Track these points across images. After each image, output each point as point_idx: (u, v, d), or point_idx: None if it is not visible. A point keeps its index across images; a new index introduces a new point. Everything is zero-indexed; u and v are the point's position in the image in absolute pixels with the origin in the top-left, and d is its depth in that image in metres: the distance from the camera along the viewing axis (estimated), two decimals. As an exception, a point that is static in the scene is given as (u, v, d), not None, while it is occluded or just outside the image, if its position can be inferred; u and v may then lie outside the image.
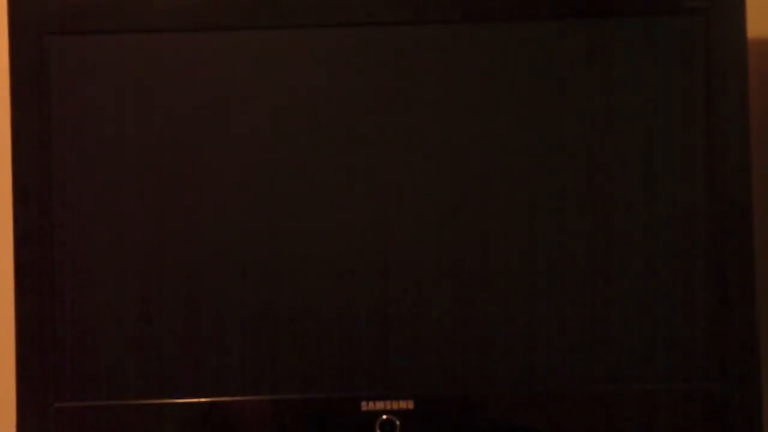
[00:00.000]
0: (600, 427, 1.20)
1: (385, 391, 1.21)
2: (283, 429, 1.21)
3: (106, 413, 1.21)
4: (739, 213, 1.21)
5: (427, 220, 1.22)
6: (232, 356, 1.22)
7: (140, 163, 1.22)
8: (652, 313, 1.21)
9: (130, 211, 1.22)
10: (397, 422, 1.21)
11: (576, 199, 1.22)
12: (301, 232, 1.22)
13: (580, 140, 1.22)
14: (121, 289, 1.22)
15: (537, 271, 1.22)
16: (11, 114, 1.21)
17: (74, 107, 1.22)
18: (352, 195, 1.22)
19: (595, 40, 1.22)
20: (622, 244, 1.21)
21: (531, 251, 1.22)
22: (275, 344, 1.22)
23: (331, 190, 1.22)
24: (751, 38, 1.23)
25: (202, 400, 1.21)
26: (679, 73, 1.22)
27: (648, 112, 1.22)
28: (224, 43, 1.22)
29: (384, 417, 1.21)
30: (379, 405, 1.21)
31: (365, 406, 1.21)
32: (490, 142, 1.22)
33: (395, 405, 1.21)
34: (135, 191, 1.22)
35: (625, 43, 1.22)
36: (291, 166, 1.22)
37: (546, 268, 1.22)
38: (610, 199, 1.22)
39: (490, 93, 1.22)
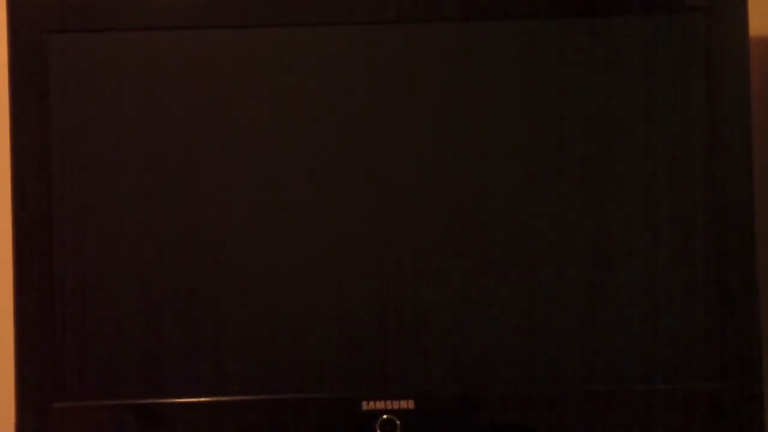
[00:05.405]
0: (600, 427, 1.20)
1: (385, 390, 1.21)
2: (283, 429, 1.21)
3: (106, 413, 1.21)
4: (740, 212, 1.20)
5: (427, 219, 1.22)
6: (231, 356, 1.21)
7: (140, 162, 1.22)
8: (653, 313, 1.21)
9: (130, 210, 1.22)
10: (398, 422, 1.21)
11: (576, 199, 1.22)
12: (302, 231, 1.22)
13: (581, 140, 1.22)
14: (120, 289, 1.22)
15: (537, 271, 1.21)
16: (11, 113, 1.21)
17: (74, 106, 1.22)
18: (352, 194, 1.22)
19: (595, 39, 1.22)
20: (622, 243, 1.21)
21: (531, 251, 1.22)
22: (275, 344, 1.21)
23: (331, 190, 1.22)
24: (752, 37, 1.23)
25: (202, 399, 1.21)
26: (680, 72, 1.22)
27: (649, 111, 1.22)
28: (225, 41, 1.22)
29: (384, 417, 1.21)
30: (380, 405, 1.21)
31: (366, 405, 1.21)
32: (490, 142, 1.22)
33: (396, 405, 1.21)
34: (135, 191, 1.22)
35: (626, 41, 1.22)
36: (291, 166, 1.22)
37: (546, 267, 1.21)
38: (610, 198, 1.21)
39: (489, 92, 1.22)
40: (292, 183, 1.22)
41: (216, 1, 1.22)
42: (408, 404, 1.21)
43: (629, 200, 1.21)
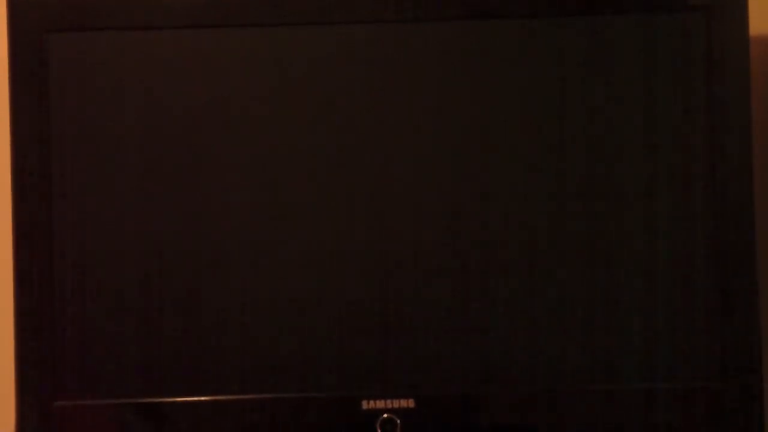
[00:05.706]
0: (600, 426, 1.20)
1: (385, 389, 1.21)
2: (283, 428, 1.21)
3: (106, 412, 1.21)
4: (740, 211, 1.20)
5: (427, 218, 1.22)
6: (232, 355, 1.21)
7: (140, 161, 1.22)
8: (653, 312, 1.21)
9: (130, 210, 1.22)
10: (398, 421, 1.21)
11: (576, 199, 1.22)
12: (302, 230, 1.22)
13: (581, 140, 1.22)
14: (120, 288, 1.22)
15: (537, 270, 1.22)
16: (11, 113, 1.21)
17: (74, 106, 1.22)
18: (352, 194, 1.22)
19: (595, 38, 1.22)
20: (623, 242, 1.21)
21: (531, 250, 1.22)
22: (275, 343, 1.21)
23: (331, 189, 1.22)
24: (752, 37, 1.23)
25: (202, 399, 1.21)
26: (681, 71, 1.22)
27: (649, 110, 1.22)
28: (225, 41, 1.22)
29: (385, 416, 1.21)
30: (380, 404, 1.21)
31: (366, 405, 1.21)
32: (490, 141, 1.22)
33: (396, 404, 1.21)
34: (135, 190, 1.22)
35: (626, 41, 1.22)
36: (292, 165, 1.22)
37: (546, 267, 1.21)
38: (610, 198, 1.22)
39: (489, 91, 1.22)
40: (293, 183, 1.22)
41: (216, 1, 1.22)
42: (408, 403, 1.21)
43: (629, 200, 1.21)
